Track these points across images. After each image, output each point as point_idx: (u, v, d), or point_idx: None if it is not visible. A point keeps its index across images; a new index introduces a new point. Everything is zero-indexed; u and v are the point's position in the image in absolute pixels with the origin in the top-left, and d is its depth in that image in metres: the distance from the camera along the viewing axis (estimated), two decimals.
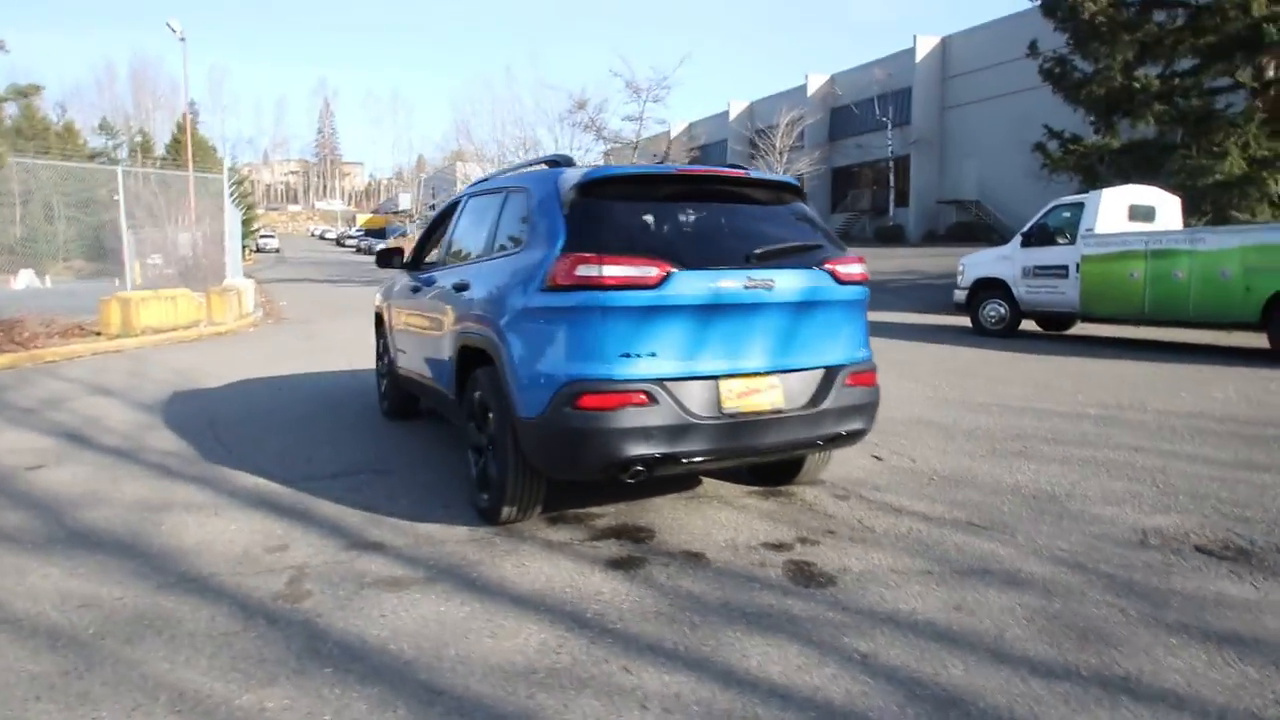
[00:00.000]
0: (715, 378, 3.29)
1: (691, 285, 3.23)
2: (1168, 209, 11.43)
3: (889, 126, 35.56)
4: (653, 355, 3.21)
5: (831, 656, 2.57)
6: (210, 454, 5.15)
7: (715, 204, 3.67)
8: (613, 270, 3.14)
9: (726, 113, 44.57)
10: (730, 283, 3.30)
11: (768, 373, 3.40)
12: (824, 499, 4.18)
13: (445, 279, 4.44)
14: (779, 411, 3.41)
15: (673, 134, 38.54)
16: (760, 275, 3.36)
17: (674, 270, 3.19)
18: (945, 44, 34.81)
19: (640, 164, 3.45)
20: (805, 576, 3.19)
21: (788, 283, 3.43)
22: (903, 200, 36.05)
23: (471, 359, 3.92)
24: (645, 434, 3.16)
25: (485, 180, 4.90)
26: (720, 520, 3.85)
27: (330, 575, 3.22)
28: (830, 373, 3.57)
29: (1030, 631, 2.74)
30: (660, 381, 3.20)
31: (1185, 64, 15.47)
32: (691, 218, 3.53)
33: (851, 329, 3.70)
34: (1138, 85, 14.86)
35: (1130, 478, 4.55)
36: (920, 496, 4.22)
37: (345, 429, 5.85)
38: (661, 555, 3.40)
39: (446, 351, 4.21)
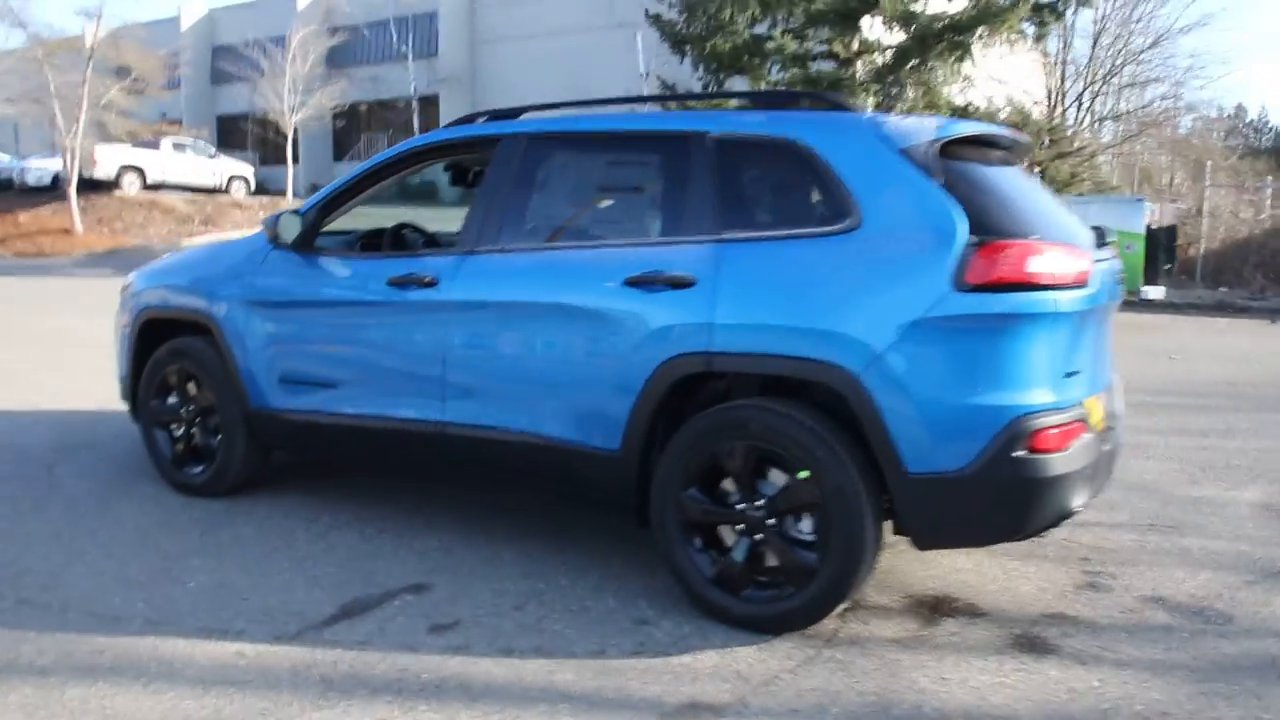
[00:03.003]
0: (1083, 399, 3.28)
1: (1101, 279, 3.16)
2: None
3: (410, 58, 35.68)
4: (1078, 373, 3.08)
5: None
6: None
7: (1020, 171, 3.58)
8: (1063, 263, 2.93)
9: (176, 20, 39.89)
10: (1111, 275, 3.31)
11: (1099, 392, 3.48)
12: None
13: (574, 266, 3.50)
14: (1105, 434, 3.52)
15: (88, 41, 33.17)
16: (1116, 267, 3.43)
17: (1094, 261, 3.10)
18: None
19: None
20: (1203, 616, 3.40)
21: (1115, 272, 3.54)
22: None
23: (686, 392, 3.25)
24: (1083, 475, 3.03)
25: (550, 118, 3.89)
26: (973, 570, 3.81)
27: None
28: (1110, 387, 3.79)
29: None
30: (1083, 405, 3.09)
31: (790, 26, 18.64)
32: (1028, 193, 3.40)
33: None
34: (771, 44, 17.50)
35: (1149, 458, 5.64)
36: None
37: (157, 525, 4.15)
38: (1034, 625, 3.28)
39: (605, 383, 3.34)
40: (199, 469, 4.54)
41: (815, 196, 3.17)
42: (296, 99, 28.46)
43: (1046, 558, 3.95)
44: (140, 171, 27.03)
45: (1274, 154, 37.85)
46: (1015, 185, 3.35)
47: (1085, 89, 22.13)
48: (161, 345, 4.61)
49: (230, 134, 38.80)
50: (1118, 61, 22.98)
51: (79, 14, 23.86)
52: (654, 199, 3.56)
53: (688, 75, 20.54)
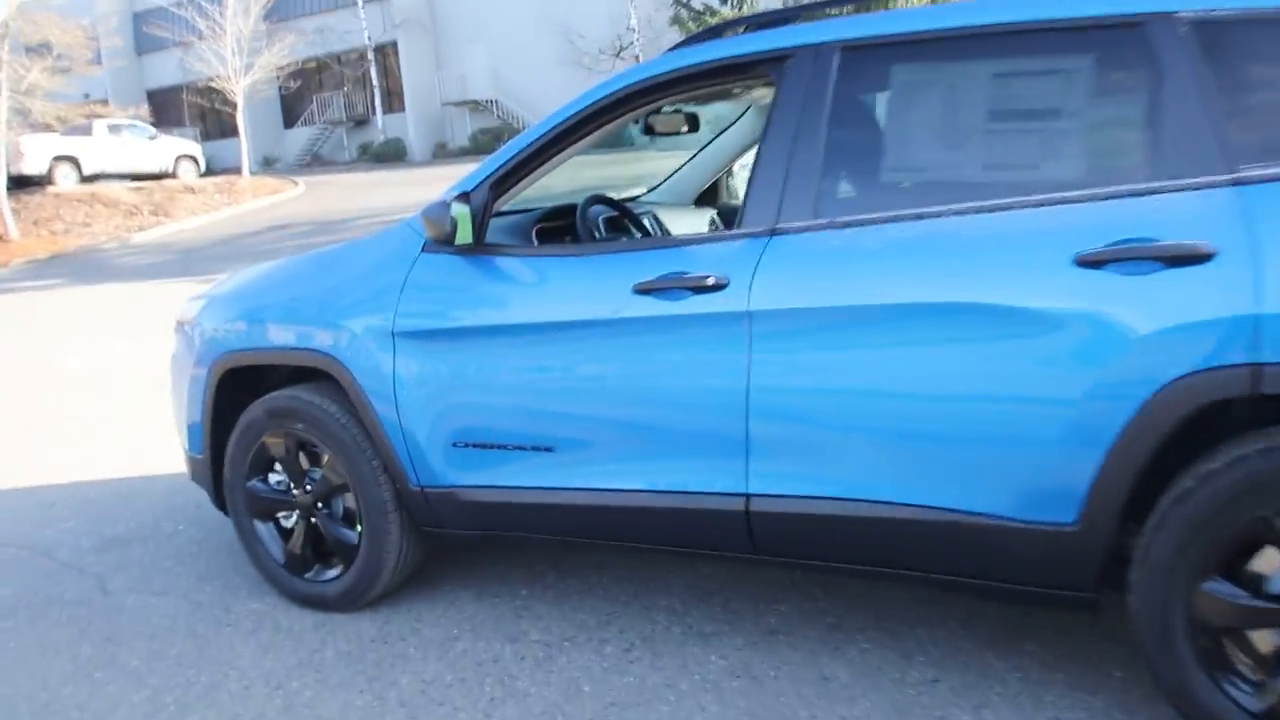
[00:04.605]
0: None
1: None
2: None
3: (360, 2, 34.01)
4: None
5: None
6: None
7: None
8: None
9: None
10: None
11: None
12: None
13: (971, 241, 2.31)
14: None
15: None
16: None
17: None
18: None
19: None
20: None
21: None
22: (395, 104, 35.06)
23: None
24: None
25: (874, 16, 2.75)
26: None
27: None
28: None
29: None
30: None
31: None
32: None
33: None
34: None
35: None
36: None
37: (298, 670, 3.04)
38: None
39: (1047, 424, 2.24)
40: (333, 573, 3.43)
41: None
42: (243, 60, 26.76)
43: None
44: (75, 161, 25.34)
45: None
46: None
47: None
48: (255, 401, 3.49)
49: (164, 109, 37.04)
50: None
51: None
52: (1091, 126, 2.43)
53: None
